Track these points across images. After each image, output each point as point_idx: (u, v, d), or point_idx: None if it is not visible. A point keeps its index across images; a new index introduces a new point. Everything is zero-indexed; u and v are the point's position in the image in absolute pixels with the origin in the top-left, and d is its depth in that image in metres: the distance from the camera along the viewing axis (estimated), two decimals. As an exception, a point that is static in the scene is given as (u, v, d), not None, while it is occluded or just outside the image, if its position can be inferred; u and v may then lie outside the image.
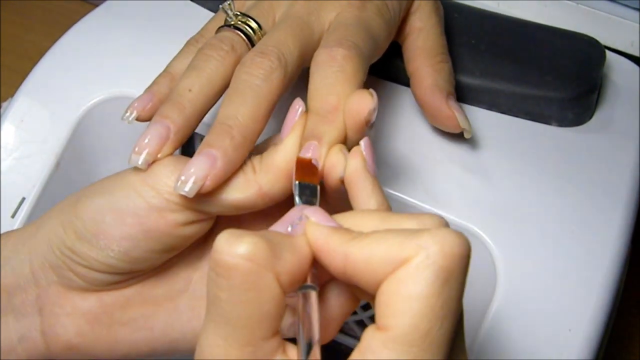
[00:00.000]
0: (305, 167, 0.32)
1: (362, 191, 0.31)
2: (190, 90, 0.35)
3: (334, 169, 0.32)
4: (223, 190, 0.33)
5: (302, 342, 0.27)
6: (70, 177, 0.46)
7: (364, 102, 0.33)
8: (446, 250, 0.26)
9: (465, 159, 0.43)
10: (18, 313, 0.35)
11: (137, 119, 0.37)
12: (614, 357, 0.59)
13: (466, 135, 0.42)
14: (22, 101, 0.46)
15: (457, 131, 0.42)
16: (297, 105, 0.34)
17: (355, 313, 0.47)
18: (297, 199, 0.31)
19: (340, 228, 0.29)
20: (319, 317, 0.28)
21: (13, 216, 0.44)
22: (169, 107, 0.35)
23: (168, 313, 0.36)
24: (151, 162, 0.34)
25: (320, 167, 0.32)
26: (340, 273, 0.28)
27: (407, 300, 0.25)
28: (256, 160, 0.34)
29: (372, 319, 0.47)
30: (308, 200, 0.31)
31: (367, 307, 0.46)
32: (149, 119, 0.37)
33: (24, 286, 0.35)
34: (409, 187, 0.42)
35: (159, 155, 0.34)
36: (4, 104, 0.48)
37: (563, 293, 0.39)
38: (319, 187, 0.32)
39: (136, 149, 0.34)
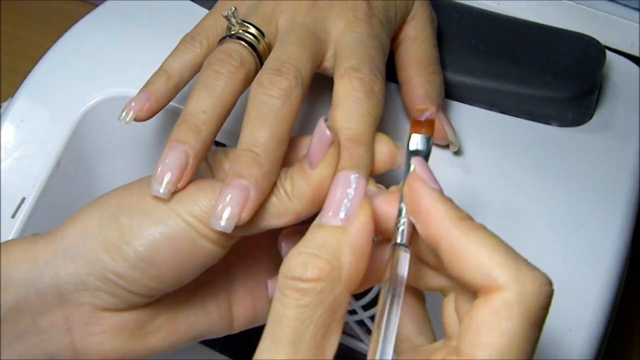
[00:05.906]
0: (420, 124, 0.33)
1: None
2: (204, 112, 0.34)
3: (387, 219, 0.31)
4: (261, 217, 0.33)
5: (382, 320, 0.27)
6: (70, 177, 0.46)
7: (393, 156, 0.35)
8: (541, 293, 0.26)
9: (465, 158, 0.43)
10: (44, 334, 0.34)
11: (135, 120, 0.37)
12: (614, 357, 0.59)
13: (452, 149, 0.42)
14: (22, 101, 0.46)
15: (444, 143, 0.42)
16: (324, 128, 0.32)
17: (355, 313, 0.47)
18: (410, 146, 0.32)
19: (446, 198, 0.29)
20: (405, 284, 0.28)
21: (13, 216, 0.44)
22: (186, 131, 0.34)
23: (186, 315, 0.37)
24: (173, 192, 0.33)
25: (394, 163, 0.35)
26: (432, 243, 0.28)
27: (497, 335, 0.25)
28: (287, 183, 0.33)
29: (372, 318, 0.47)
30: (422, 151, 0.32)
31: (367, 307, 0.46)
32: (146, 119, 0.37)
33: (50, 308, 0.34)
34: (409, 187, 0.42)
35: (179, 185, 0.33)
36: (4, 104, 0.48)
37: (563, 293, 0.39)
38: (432, 139, 0.32)
39: (156, 176, 0.33)
